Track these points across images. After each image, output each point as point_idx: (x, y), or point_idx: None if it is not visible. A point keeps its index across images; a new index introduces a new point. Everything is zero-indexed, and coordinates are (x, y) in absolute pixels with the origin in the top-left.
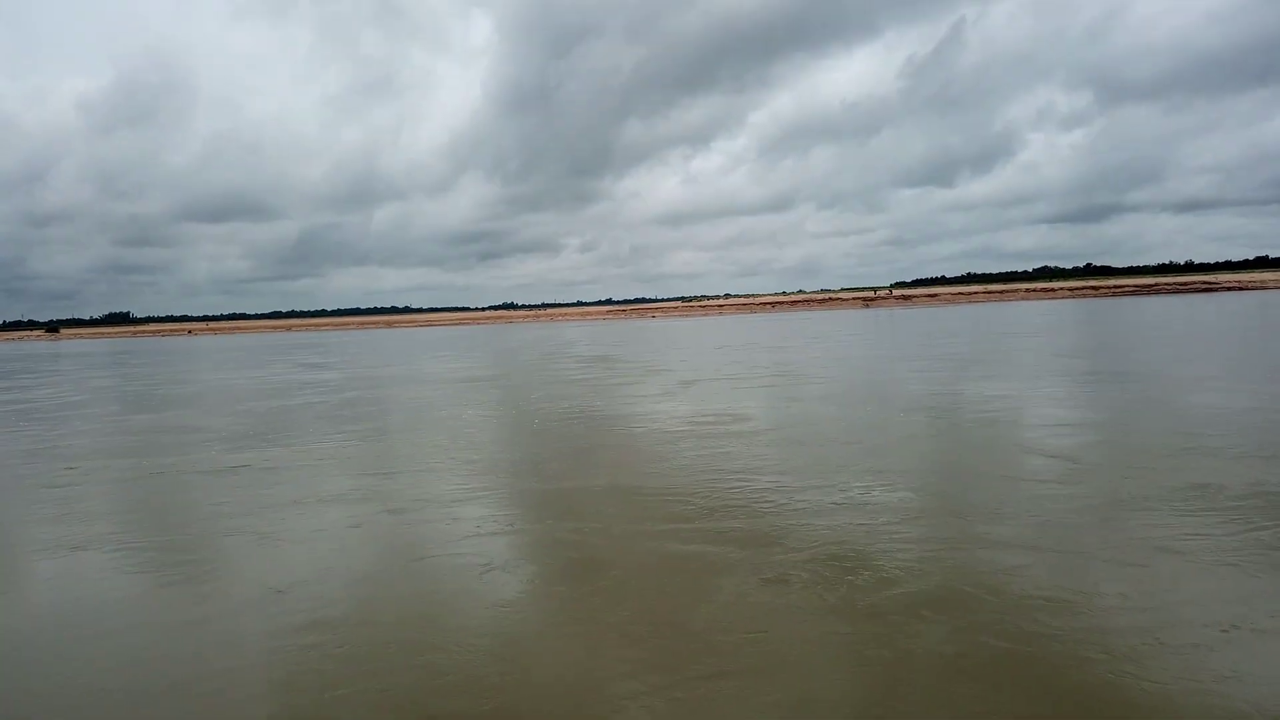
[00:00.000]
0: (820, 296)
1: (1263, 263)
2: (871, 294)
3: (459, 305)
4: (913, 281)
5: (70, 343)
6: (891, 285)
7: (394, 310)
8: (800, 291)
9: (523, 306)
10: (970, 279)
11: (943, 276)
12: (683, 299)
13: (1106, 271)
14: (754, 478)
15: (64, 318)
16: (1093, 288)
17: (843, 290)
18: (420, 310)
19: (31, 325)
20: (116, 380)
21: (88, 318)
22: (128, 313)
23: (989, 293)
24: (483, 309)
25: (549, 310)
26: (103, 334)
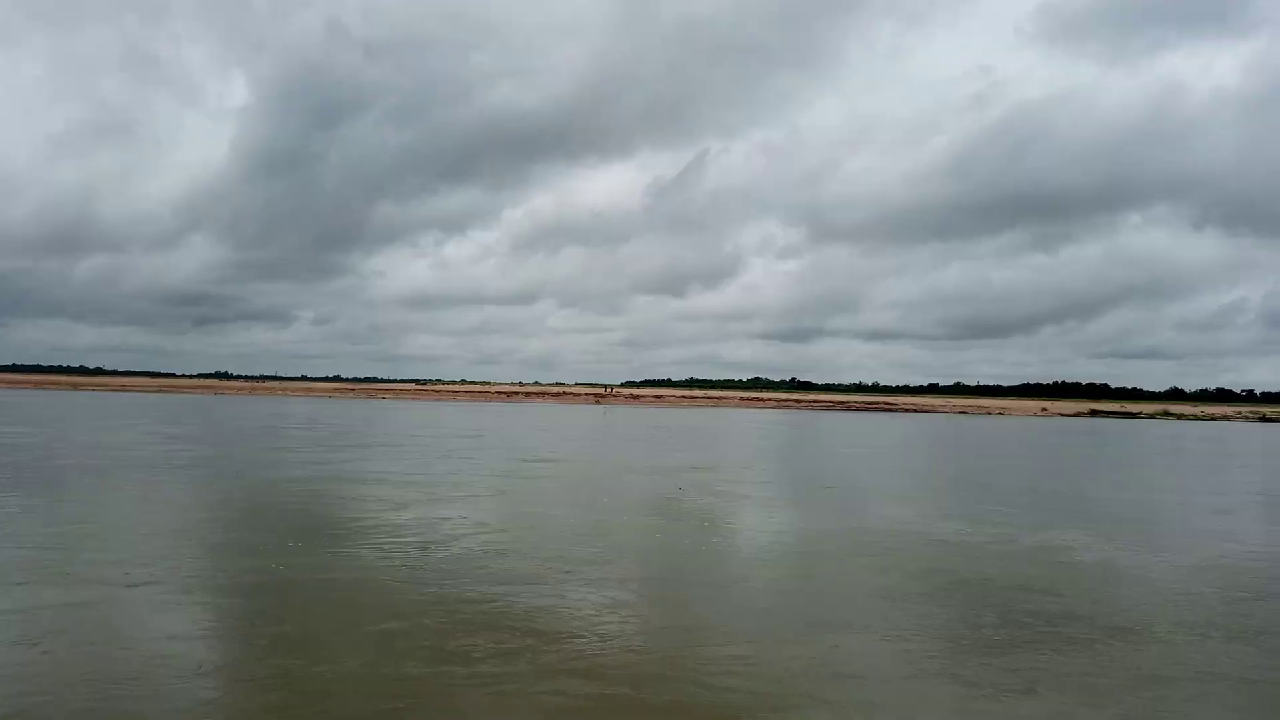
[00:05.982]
0: (555, 390)
1: (933, 389)
2: (603, 390)
3: (163, 370)
4: (642, 382)
5: None
6: (622, 383)
7: (82, 370)
8: (536, 383)
9: (238, 377)
10: (693, 383)
11: (668, 380)
12: (416, 381)
13: (808, 386)
14: None
15: None
16: (796, 400)
17: (576, 385)
18: (114, 373)
19: None
20: None
21: None
22: None
23: (709, 398)
24: (191, 376)
25: (268, 383)
26: None
